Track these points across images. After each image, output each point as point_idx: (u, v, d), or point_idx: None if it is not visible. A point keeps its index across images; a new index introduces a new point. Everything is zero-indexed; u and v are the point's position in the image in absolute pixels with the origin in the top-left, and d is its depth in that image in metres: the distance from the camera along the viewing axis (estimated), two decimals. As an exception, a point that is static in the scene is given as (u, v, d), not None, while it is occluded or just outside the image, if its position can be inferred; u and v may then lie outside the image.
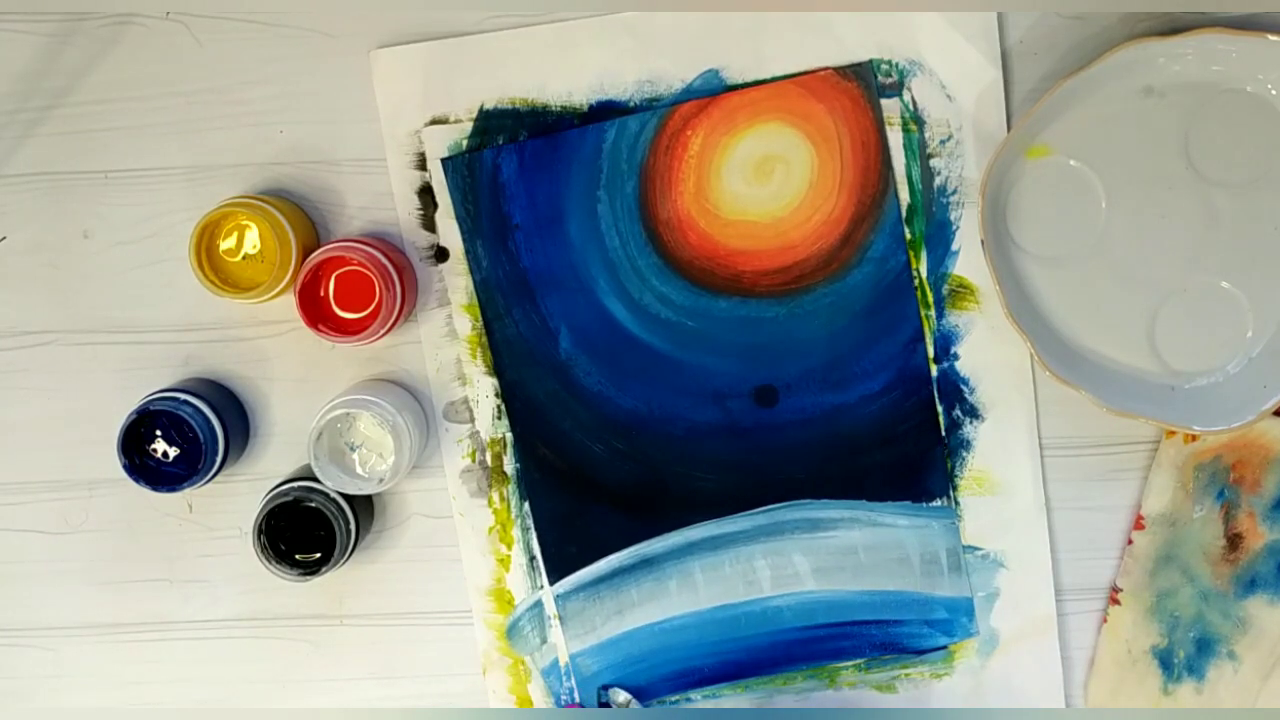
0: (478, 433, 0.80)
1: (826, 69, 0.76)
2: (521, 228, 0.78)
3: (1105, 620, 0.81)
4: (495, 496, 0.81)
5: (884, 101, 0.77)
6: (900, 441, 0.79)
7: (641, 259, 0.78)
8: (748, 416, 0.79)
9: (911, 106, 0.77)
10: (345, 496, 0.77)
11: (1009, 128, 0.77)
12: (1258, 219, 0.76)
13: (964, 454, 0.80)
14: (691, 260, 0.78)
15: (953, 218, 0.78)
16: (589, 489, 0.80)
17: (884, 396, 0.79)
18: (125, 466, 0.76)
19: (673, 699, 0.82)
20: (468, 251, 0.78)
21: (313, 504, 0.76)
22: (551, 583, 0.81)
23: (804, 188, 0.77)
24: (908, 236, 0.78)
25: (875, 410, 0.79)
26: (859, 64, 0.76)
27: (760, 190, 0.77)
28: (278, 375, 0.80)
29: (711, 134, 0.77)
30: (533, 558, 0.81)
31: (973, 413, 0.79)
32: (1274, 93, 0.75)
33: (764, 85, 0.77)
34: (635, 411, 0.79)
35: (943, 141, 0.77)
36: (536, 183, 0.77)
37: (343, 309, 0.77)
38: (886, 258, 0.78)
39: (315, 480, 0.77)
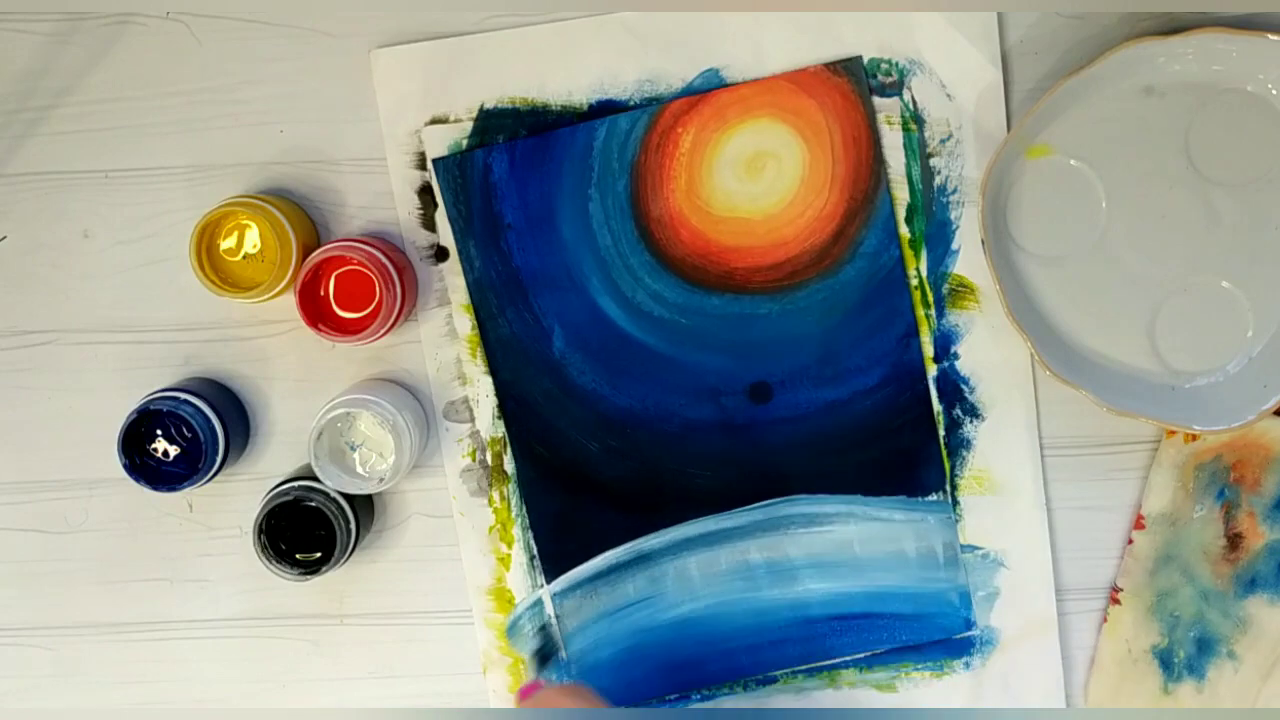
0: (478, 432, 0.80)
1: (817, 65, 0.76)
2: (513, 227, 0.78)
3: (1105, 620, 0.81)
4: (495, 496, 0.81)
5: (884, 100, 0.77)
6: (895, 436, 0.79)
7: (634, 257, 0.78)
8: (742, 413, 0.79)
9: (911, 106, 0.77)
10: (345, 496, 0.77)
11: (1009, 127, 0.77)
12: (1258, 219, 0.76)
13: (964, 453, 0.80)
14: (684, 258, 0.78)
15: (953, 217, 0.78)
16: (585, 487, 0.80)
17: (878, 391, 0.79)
18: (125, 466, 0.76)
19: (671, 697, 0.82)
20: (460, 251, 0.78)
21: (313, 503, 0.77)
22: (548, 580, 0.81)
23: (796, 184, 0.77)
24: (907, 235, 0.78)
25: (870, 405, 0.79)
26: (849, 59, 0.76)
27: (752, 186, 0.77)
28: (278, 375, 0.80)
29: (702, 131, 0.77)
30: (533, 557, 0.81)
31: (973, 412, 0.79)
32: (1274, 92, 0.75)
33: (755, 82, 0.77)
34: (630, 409, 0.79)
35: (943, 141, 0.77)
36: (528, 182, 0.77)
37: (343, 309, 0.77)
38: (879, 253, 0.78)
39: (315, 480, 0.77)
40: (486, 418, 0.80)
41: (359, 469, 0.77)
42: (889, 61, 0.77)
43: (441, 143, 0.78)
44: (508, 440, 0.80)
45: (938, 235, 0.78)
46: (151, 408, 0.76)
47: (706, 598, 0.81)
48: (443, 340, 0.80)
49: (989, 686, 0.81)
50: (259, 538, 0.77)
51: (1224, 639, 0.77)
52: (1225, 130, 0.75)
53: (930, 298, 0.78)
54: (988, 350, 0.79)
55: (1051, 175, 0.76)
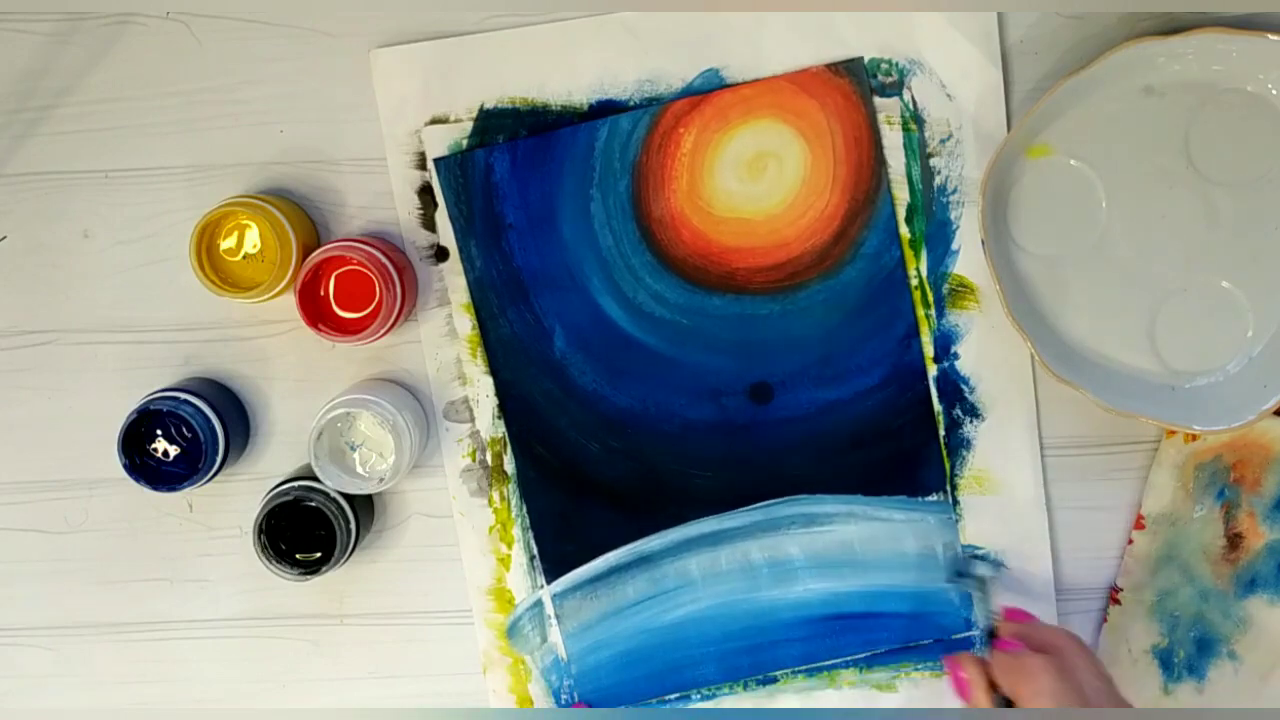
0: (478, 432, 0.80)
1: (819, 65, 0.76)
2: (515, 227, 0.78)
3: (1105, 620, 0.81)
4: (495, 496, 0.81)
5: (884, 101, 0.77)
6: (896, 436, 0.79)
7: (635, 257, 0.78)
8: (743, 413, 0.79)
9: (911, 106, 0.77)
10: (345, 496, 0.77)
11: (1009, 127, 0.77)
12: (1258, 219, 0.76)
13: (964, 453, 0.80)
14: (685, 258, 0.78)
15: (953, 217, 0.78)
16: (585, 487, 0.80)
17: (879, 392, 0.79)
18: (125, 466, 0.76)
19: (672, 697, 0.82)
20: (461, 251, 0.78)
21: (313, 503, 0.77)
22: (548, 581, 0.81)
23: (797, 184, 0.77)
24: (907, 236, 0.78)
25: (870, 405, 0.79)
26: (851, 60, 0.76)
27: (753, 187, 0.77)
28: (278, 375, 0.80)
29: (704, 131, 0.77)
30: (533, 557, 0.81)
31: (973, 412, 0.79)
32: (1274, 92, 0.75)
33: (756, 82, 0.77)
34: (631, 409, 0.79)
35: (943, 141, 0.77)
36: (529, 182, 0.77)
37: (343, 309, 0.77)
38: (880, 254, 0.78)
39: (315, 480, 0.77)
40: (486, 418, 0.80)
41: (359, 469, 0.77)
42: (889, 61, 0.77)
43: (442, 143, 0.78)
44: (508, 440, 0.80)
45: (938, 235, 0.78)
46: (151, 408, 0.76)
47: (707, 598, 0.81)
48: (443, 340, 0.80)
49: (989, 686, 0.81)
50: (259, 538, 0.77)
51: (1224, 639, 0.77)
52: (1225, 130, 0.75)
53: (930, 298, 0.78)
54: (988, 350, 0.79)
55: (1051, 175, 0.76)
